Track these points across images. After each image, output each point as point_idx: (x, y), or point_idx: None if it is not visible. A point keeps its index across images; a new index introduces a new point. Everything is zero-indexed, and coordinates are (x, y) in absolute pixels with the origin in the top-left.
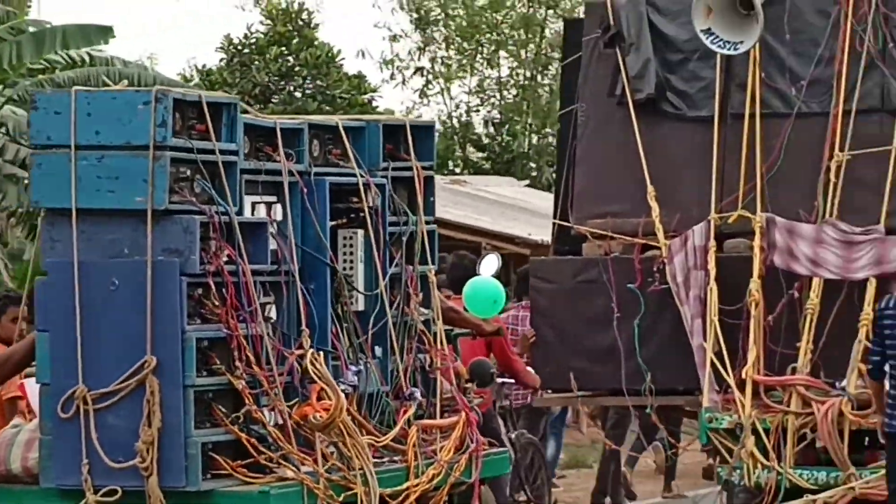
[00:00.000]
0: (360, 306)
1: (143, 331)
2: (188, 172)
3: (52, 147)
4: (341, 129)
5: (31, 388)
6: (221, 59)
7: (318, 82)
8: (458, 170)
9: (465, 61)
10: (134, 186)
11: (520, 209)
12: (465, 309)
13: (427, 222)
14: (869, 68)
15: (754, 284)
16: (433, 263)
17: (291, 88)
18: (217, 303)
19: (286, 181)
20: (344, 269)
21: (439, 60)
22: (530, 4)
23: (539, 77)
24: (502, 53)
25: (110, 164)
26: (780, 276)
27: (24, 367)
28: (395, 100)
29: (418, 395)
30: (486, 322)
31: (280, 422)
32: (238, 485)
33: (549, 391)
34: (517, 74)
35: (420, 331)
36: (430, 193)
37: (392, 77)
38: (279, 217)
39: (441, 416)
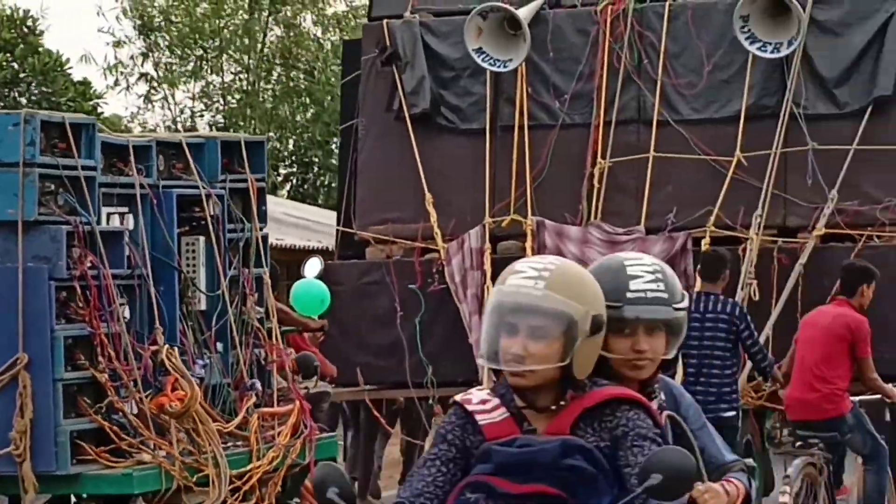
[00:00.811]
0: (203, 306)
1: (15, 330)
2: (53, 187)
3: None
4: (184, 144)
5: None
6: None
7: (44, 89)
8: None
9: (188, 67)
10: (5, 200)
11: None
12: (293, 309)
13: (260, 229)
14: (626, 83)
15: None
16: (266, 267)
17: (17, 95)
18: (82, 304)
19: (138, 194)
20: (188, 272)
21: (163, 66)
22: (251, 11)
23: (262, 82)
24: (225, 59)
25: None
26: None
27: None
28: (119, 106)
29: (258, 385)
30: (311, 320)
31: (137, 411)
32: (102, 468)
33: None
34: (240, 80)
35: (255, 328)
36: (263, 203)
37: (116, 83)
38: (131, 226)
39: (277, 405)
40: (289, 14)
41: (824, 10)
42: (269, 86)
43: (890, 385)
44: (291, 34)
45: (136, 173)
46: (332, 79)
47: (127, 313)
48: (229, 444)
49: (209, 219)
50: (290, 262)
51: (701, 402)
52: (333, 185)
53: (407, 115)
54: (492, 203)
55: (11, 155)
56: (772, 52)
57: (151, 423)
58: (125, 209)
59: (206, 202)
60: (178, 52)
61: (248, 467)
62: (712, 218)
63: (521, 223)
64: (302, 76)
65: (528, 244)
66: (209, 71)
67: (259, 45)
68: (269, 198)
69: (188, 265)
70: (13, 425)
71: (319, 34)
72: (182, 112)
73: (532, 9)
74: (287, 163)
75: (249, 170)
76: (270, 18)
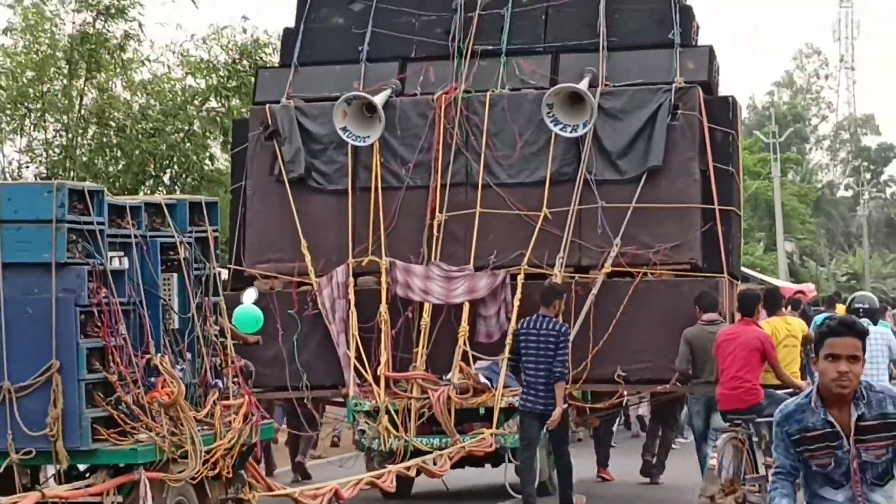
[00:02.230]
0: (177, 325)
1: (49, 343)
2: (74, 237)
3: None
4: (163, 205)
5: None
6: None
7: None
8: None
9: (15, 125)
10: (42, 247)
11: None
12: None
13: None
14: (457, 154)
15: (383, 308)
16: (220, 296)
17: None
18: (98, 324)
19: (133, 242)
20: (166, 300)
21: None
22: (70, 77)
23: (79, 138)
24: (48, 118)
25: (25, 232)
26: (399, 302)
27: None
28: None
29: (220, 384)
30: (250, 335)
31: (137, 403)
32: (112, 445)
33: None
34: (61, 136)
35: (213, 342)
36: (217, 247)
37: None
38: (126, 266)
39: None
40: (102, 80)
41: (610, 100)
42: (86, 141)
43: (798, 379)
44: (105, 96)
45: (132, 227)
46: (140, 135)
47: (124, 331)
48: (201, 428)
49: (182, 260)
50: None
51: (531, 398)
52: None
53: (286, 178)
54: (353, 247)
55: (46, 214)
56: (570, 132)
57: (146, 411)
58: (122, 253)
59: (180, 248)
60: (8, 112)
61: (214, 445)
62: (525, 259)
63: (377, 262)
64: (114, 133)
65: (383, 279)
66: (33, 129)
67: (77, 107)
68: None
69: (166, 295)
70: (48, 414)
71: (129, 97)
72: (10, 164)
73: (384, 97)
74: None
75: (209, 223)
76: (87, 83)
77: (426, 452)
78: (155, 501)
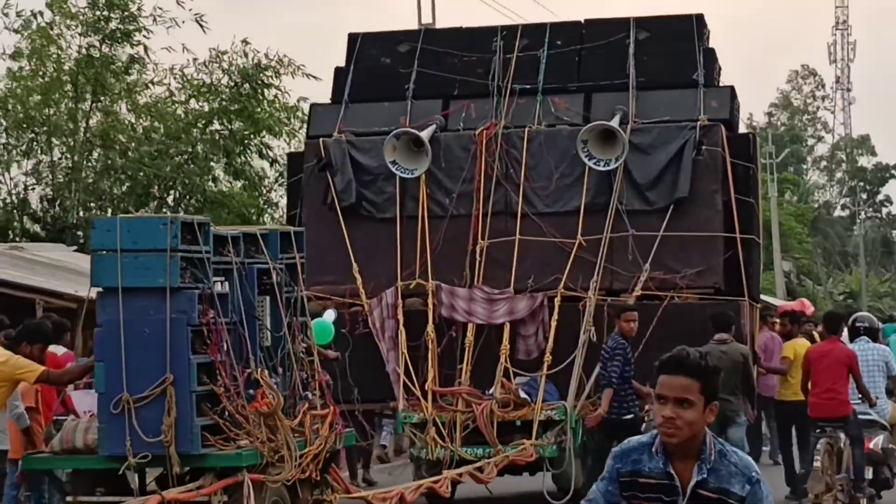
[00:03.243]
0: (269, 342)
1: (164, 359)
2: (185, 265)
3: (106, 251)
4: (258, 234)
5: (77, 398)
6: None
7: None
8: (16, 238)
9: (22, 148)
10: (158, 274)
11: (68, 270)
12: None
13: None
14: (497, 185)
15: (430, 327)
16: (307, 317)
17: None
18: (206, 342)
19: (235, 269)
20: (262, 320)
21: (0, 147)
22: (76, 100)
23: (84, 161)
24: (54, 140)
25: (143, 260)
26: (444, 322)
27: (72, 382)
28: None
29: (310, 396)
30: (329, 351)
31: (240, 412)
32: (218, 450)
33: None
34: (66, 158)
35: (301, 357)
36: (304, 272)
37: None
38: (227, 290)
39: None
40: (107, 103)
41: (639, 136)
42: (91, 163)
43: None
44: (110, 119)
45: (232, 255)
46: (144, 158)
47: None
48: (293, 435)
49: (274, 284)
50: None
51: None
52: None
53: (338, 207)
54: (401, 271)
55: (162, 244)
56: (603, 165)
57: (248, 420)
58: (223, 278)
59: (273, 273)
60: (14, 136)
61: (305, 450)
62: (561, 283)
63: (423, 285)
64: (118, 155)
65: (430, 301)
66: (39, 151)
67: (82, 129)
68: (90, 258)
69: (261, 315)
70: (163, 422)
71: (133, 120)
72: (16, 185)
73: (430, 132)
74: None
75: (296, 250)
76: (92, 106)
77: (470, 461)
78: (255, 501)
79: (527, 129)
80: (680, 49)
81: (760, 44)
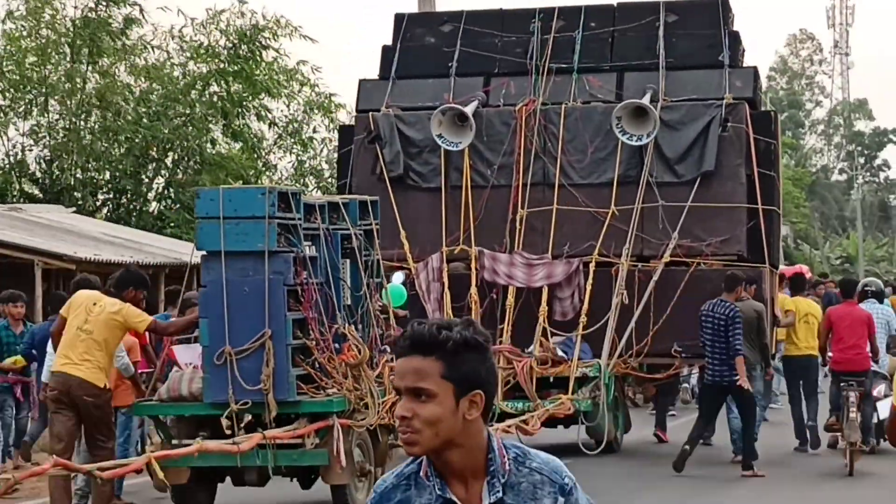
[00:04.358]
0: (349, 301)
1: (262, 315)
2: (280, 230)
3: (210, 218)
4: (340, 204)
5: (180, 352)
6: None
7: None
8: (14, 200)
9: (19, 109)
10: (257, 239)
11: (66, 231)
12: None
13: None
14: (536, 158)
15: (473, 290)
16: (382, 278)
17: None
18: (299, 300)
19: (322, 234)
20: (345, 281)
21: None
22: (73, 62)
23: (82, 122)
24: (51, 101)
25: (243, 226)
26: (486, 285)
27: (176, 334)
28: None
29: (387, 349)
30: (399, 310)
31: (329, 363)
32: (310, 398)
33: None
34: (64, 120)
35: (376, 314)
36: (379, 238)
37: None
38: (314, 253)
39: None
40: (105, 65)
41: (668, 113)
42: (88, 125)
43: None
44: (107, 81)
45: (319, 221)
46: (144, 118)
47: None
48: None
49: (355, 248)
50: (103, 274)
51: (709, 373)
52: (145, 209)
53: (386, 177)
54: (446, 237)
55: (260, 211)
56: (636, 140)
57: (336, 371)
58: (310, 243)
59: (353, 238)
60: (10, 96)
61: (386, 398)
62: (595, 249)
63: (466, 251)
64: (116, 117)
65: (473, 265)
66: (36, 112)
67: (79, 91)
68: (88, 219)
69: (343, 276)
70: (262, 372)
71: (132, 82)
72: (14, 147)
73: (473, 107)
74: (104, 190)
75: (373, 218)
76: (89, 68)
77: (512, 415)
78: (343, 443)
79: (563, 106)
80: (706, 31)
81: (759, 4)
